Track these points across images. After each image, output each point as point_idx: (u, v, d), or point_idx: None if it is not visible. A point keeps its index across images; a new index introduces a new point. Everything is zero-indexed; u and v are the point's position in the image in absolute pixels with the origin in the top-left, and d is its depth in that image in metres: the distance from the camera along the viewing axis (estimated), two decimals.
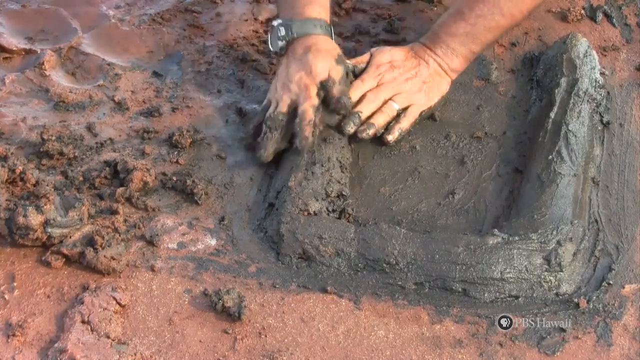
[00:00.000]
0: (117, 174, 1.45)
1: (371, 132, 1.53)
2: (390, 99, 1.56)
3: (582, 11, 1.84)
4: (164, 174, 1.48)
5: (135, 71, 1.73)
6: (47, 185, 1.33)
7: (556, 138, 1.49)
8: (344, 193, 1.44)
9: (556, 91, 1.58)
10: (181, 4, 1.93)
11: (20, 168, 1.36)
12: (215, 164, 1.52)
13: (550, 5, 1.85)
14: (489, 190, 1.50)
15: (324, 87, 1.51)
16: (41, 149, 1.47)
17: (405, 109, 1.57)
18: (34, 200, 1.28)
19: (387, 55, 1.60)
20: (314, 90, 1.51)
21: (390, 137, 1.54)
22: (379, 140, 1.57)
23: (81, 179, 1.43)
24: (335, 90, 1.52)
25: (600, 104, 1.59)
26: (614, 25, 1.83)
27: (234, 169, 1.51)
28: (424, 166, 1.54)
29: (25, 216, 1.25)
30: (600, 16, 1.83)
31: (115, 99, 1.64)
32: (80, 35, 1.80)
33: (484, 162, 1.54)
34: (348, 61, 1.58)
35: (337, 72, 1.54)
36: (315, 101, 1.51)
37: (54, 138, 1.48)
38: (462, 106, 1.65)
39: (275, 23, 1.60)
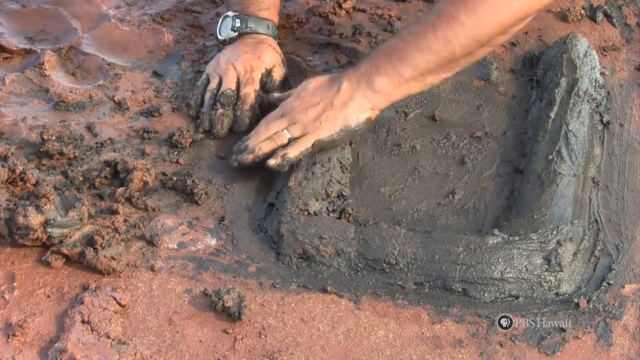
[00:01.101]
0: (117, 174, 1.45)
1: (249, 157, 1.45)
2: (286, 128, 1.46)
3: (582, 11, 1.84)
4: (164, 174, 1.48)
5: (135, 71, 1.73)
6: (47, 185, 1.33)
7: (556, 138, 1.49)
8: (344, 193, 1.44)
9: (556, 91, 1.58)
10: (181, 4, 1.93)
11: (20, 168, 1.36)
12: (215, 164, 1.52)
13: (550, 6, 1.85)
14: (489, 190, 1.50)
15: (268, 76, 1.61)
16: (41, 149, 1.47)
17: (298, 138, 1.45)
18: (34, 200, 1.28)
19: (303, 85, 1.50)
20: (258, 75, 1.61)
21: (273, 162, 1.42)
22: (379, 140, 1.57)
23: (81, 179, 1.43)
24: (276, 89, 1.61)
25: (600, 104, 1.59)
26: (614, 25, 1.83)
27: (234, 169, 1.51)
28: (424, 166, 1.54)
29: (25, 216, 1.25)
30: (600, 16, 1.83)
31: (115, 99, 1.64)
32: (80, 35, 1.80)
33: (484, 162, 1.54)
34: (276, 94, 1.58)
35: (280, 73, 1.65)
36: (257, 86, 1.60)
37: (54, 138, 1.48)
38: (462, 106, 1.65)
39: (230, 14, 1.69)
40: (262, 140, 1.46)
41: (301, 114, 1.46)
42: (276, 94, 1.58)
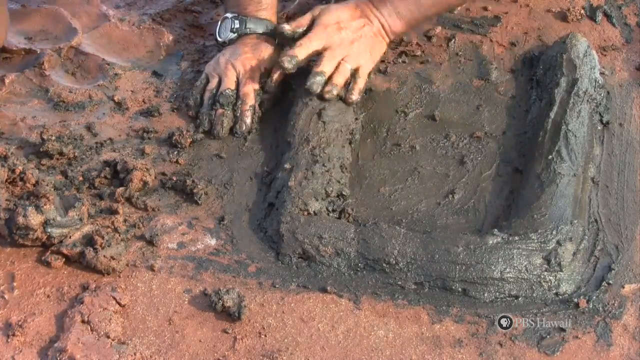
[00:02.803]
0: (117, 174, 1.45)
1: (335, 92, 1.56)
2: (342, 59, 1.58)
3: (582, 11, 1.84)
4: (163, 173, 1.48)
5: (135, 71, 1.73)
6: (47, 185, 1.34)
7: (556, 138, 1.49)
8: (344, 193, 1.44)
9: (556, 91, 1.58)
10: (181, 4, 1.93)
11: (20, 168, 1.36)
12: (215, 164, 1.52)
13: (550, 5, 1.85)
14: (488, 190, 1.50)
15: (268, 76, 1.61)
16: (41, 149, 1.47)
17: (355, 70, 1.59)
18: (34, 200, 1.28)
19: (334, 15, 1.60)
20: (257, 74, 1.61)
21: (354, 97, 1.57)
22: (379, 140, 1.57)
23: (81, 178, 1.43)
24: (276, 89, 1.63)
25: (600, 103, 1.59)
26: (613, 25, 1.83)
27: (234, 169, 1.51)
28: (424, 166, 1.54)
29: (25, 216, 1.25)
30: (600, 16, 1.83)
31: (115, 98, 1.64)
32: (80, 35, 1.80)
33: (483, 162, 1.54)
34: (287, 25, 1.61)
35: (280, 73, 1.62)
36: (257, 85, 1.60)
37: (53, 138, 1.48)
38: (462, 106, 1.65)
39: (229, 15, 1.69)
40: (332, 73, 1.56)
41: (352, 46, 1.58)
42: (293, 24, 1.62)
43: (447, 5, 1.68)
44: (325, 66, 1.56)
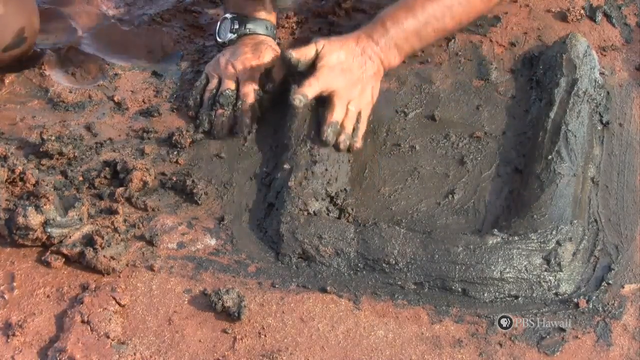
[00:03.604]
0: (117, 174, 1.45)
1: (348, 142, 1.50)
2: (347, 103, 1.53)
3: (582, 11, 1.84)
4: (163, 174, 1.48)
5: (135, 71, 1.73)
6: (47, 185, 1.34)
7: (556, 138, 1.49)
8: (345, 188, 1.44)
9: (556, 91, 1.58)
10: (181, 4, 1.93)
11: (20, 168, 1.36)
12: (215, 164, 1.52)
13: (550, 5, 1.85)
14: (488, 190, 1.50)
15: (268, 76, 1.61)
16: (41, 149, 1.47)
17: (358, 114, 1.55)
18: (34, 200, 1.29)
19: (336, 56, 1.53)
20: (257, 75, 1.60)
21: (359, 145, 1.52)
22: (378, 140, 1.57)
23: (81, 179, 1.43)
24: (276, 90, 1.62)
25: (599, 103, 1.59)
26: (613, 25, 1.83)
27: (234, 169, 1.51)
28: (424, 166, 1.54)
29: (25, 216, 1.25)
30: (599, 16, 1.83)
31: (115, 99, 1.64)
32: (80, 35, 1.80)
33: (483, 162, 1.54)
34: (292, 51, 1.54)
35: (280, 73, 1.62)
36: (257, 86, 1.60)
37: (53, 138, 1.49)
38: (462, 106, 1.65)
39: (228, 16, 1.69)
40: (343, 120, 1.52)
41: (354, 90, 1.53)
42: (296, 53, 1.54)
43: (446, 32, 1.66)
44: (338, 113, 1.50)
